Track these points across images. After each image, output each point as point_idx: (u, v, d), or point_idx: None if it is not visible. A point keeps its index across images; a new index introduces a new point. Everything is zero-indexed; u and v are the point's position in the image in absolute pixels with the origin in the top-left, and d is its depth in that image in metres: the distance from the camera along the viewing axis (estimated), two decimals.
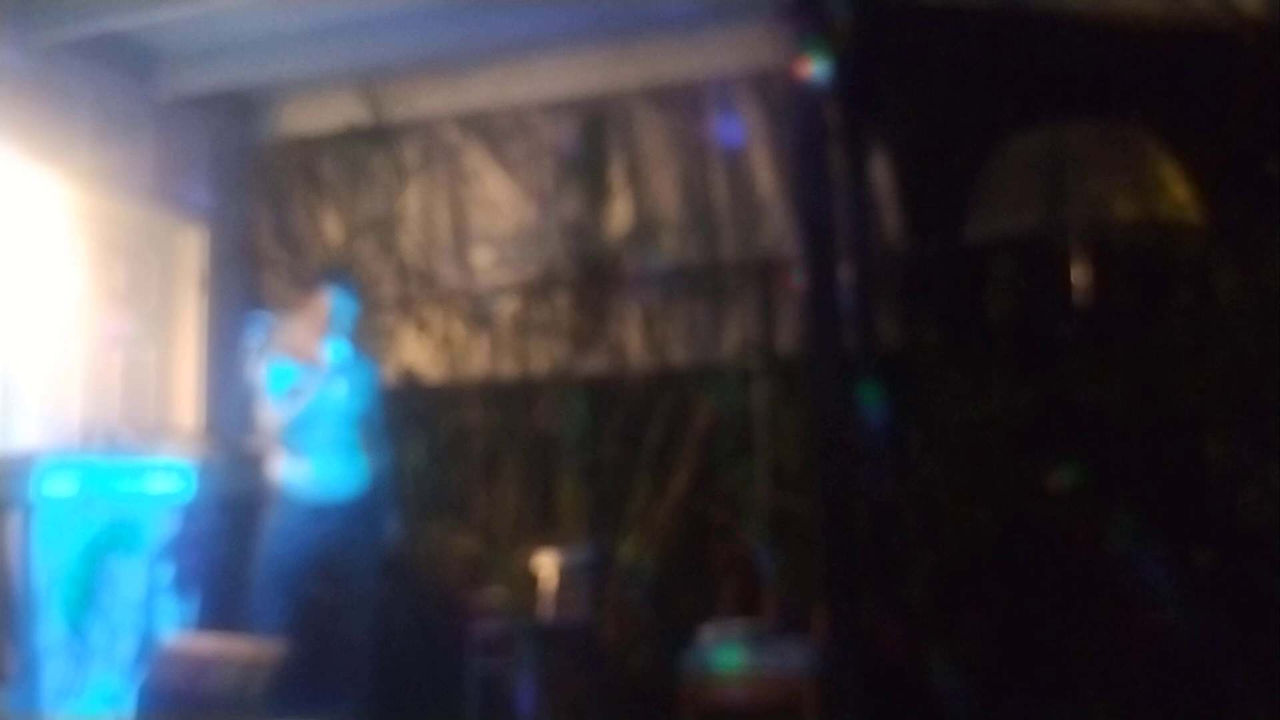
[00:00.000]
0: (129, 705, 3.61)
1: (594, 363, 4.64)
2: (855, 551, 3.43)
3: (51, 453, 3.85)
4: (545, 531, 4.39)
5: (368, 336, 4.93)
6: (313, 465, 3.84)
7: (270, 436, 3.87)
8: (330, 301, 3.95)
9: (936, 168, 3.93)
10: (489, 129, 4.94)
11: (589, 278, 4.66)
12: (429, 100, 4.81)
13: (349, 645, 3.85)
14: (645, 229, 4.64)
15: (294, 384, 3.83)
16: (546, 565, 4.11)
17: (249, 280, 5.17)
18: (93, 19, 4.25)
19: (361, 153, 4.92)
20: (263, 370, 3.90)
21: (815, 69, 3.54)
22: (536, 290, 4.74)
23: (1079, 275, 3.59)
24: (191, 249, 5.07)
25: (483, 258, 4.91)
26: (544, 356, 4.70)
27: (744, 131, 4.57)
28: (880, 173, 4.16)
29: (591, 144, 4.75)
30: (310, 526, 3.78)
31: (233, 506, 4.17)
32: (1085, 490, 3.54)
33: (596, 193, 4.73)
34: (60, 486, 3.67)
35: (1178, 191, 3.46)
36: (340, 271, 4.40)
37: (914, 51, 3.88)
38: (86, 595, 3.73)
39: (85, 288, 4.52)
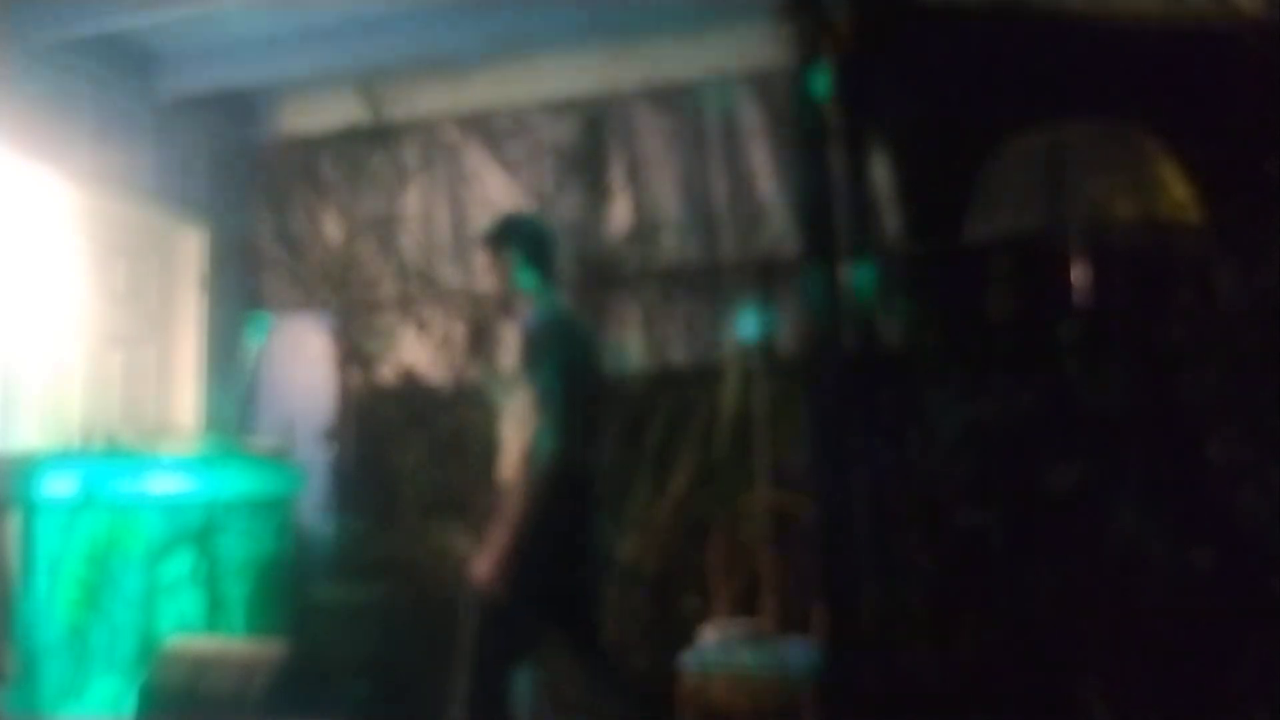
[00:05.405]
0: (129, 705, 3.61)
1: None
2: (855, 551, 3.43)
3: (51, 453, 3.85)
4: None
5: (368, 336, 4.96)
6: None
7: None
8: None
9: (936, 168, 3.93)
10: (489, 129, 4.94)
11: (589, 278, 4.66)
12: (429, 100, 4.82)
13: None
14: (645, 229, 4.64)
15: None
16: None
17: (249, 280, 5.18)
18: (93, 19, 4.26)
19: (361, 153, 4.93)
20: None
21: (815, 69, 3.54)
22: None
23: (1079, 275, 3.59)
24: (191, 249, 5.08)
25: (483, 258, 4.90)
26: None
27: (744, 131, 4.57)
28: (880, 173, 4.15)
29: (591, 144, 4.76)
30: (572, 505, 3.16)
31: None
32: (1085, 490, 3.53)
33: (596, 193, 4.73)
34: (60, 486, 3.67)
35: (1178, 191, 3.44)
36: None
37: (914, 51, 3.88)
38: (86, 595, 3.73)
39: (85, 288, 4.53)
